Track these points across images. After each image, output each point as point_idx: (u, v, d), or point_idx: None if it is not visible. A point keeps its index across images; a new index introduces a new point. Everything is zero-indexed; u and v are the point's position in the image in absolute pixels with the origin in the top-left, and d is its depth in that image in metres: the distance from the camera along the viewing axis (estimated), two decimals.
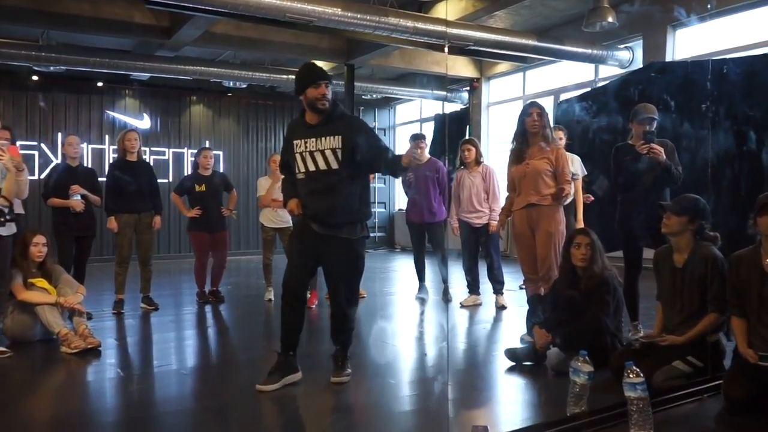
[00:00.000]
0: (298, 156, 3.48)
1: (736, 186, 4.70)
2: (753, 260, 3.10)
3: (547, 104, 7.59)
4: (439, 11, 8.49)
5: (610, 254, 3.98)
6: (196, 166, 6.60)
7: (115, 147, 6.74)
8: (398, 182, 14.40)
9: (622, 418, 2.65)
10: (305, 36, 9.57)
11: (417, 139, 6.48)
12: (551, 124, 4.36)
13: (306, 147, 3.46)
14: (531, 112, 4.30)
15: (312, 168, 3.45)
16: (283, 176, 3.86)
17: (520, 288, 5.38)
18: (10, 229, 4.18)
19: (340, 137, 3.41)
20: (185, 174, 11.68)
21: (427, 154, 6.61)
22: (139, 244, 6.00)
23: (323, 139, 3.43)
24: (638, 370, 2.60)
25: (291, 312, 3.50)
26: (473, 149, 6.14)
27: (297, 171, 3.51)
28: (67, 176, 5.62)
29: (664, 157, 4.13)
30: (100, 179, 6.08)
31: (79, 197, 5.54)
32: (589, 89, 9.41)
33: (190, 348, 4.75)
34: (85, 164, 11.40)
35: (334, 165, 3.41)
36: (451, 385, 3.54)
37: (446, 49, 8.19)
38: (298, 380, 3.45)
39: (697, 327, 3.29)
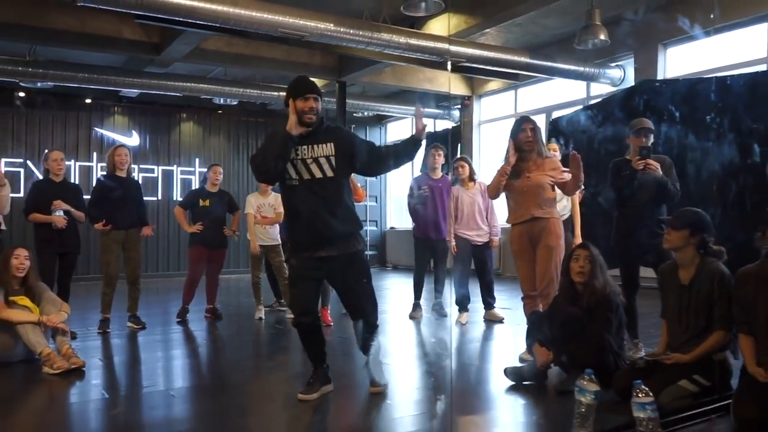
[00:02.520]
0: (289, 164, 3.41)
1: (741, 199, 4.63)
2: (760, 276, 3.01)
3: (539, 122, 7.55)
4: (431, 28, 8.47)
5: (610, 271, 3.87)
6: (204, 181, 6.66)
7: (104, 164, 6.69)
8: (389, 200, 14.34)
9: None
10: (296, 52, 9.55)
11: (436, 147, 6.43)
12: (544, 139, 4.28)
13: (297, 155, 3.40)
14: (524, 128, 4.22)
15: (306, 176, 3.40)
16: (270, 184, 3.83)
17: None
18: None
19: (332, 144, 3.41)
20: (178, 191, 11.70)
21: (440, 171, 6.50)
22: (127, 262, 5.87)
23: (316, 146, 3.40)
24: (647, 389, 2.49)
25: (306, 337, 3.54)
26: (467, 165, 6.16)
27: (289, 177, 3.43)
28: (50, 191, 5.46)
29: (661, 173, 4.07)
30: (86, 196, 5.92)
31: (61, 213, 5.37)
32: (581, 106, 9.50)
33: (178, 368, 4.58)
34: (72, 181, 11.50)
35: (329, 173, 3.39)
36: (451, 405, 3.41)
37: (449, 65, 8.14)
38: (330, 390, 3.56)
39: (704, 345, 3.19)
